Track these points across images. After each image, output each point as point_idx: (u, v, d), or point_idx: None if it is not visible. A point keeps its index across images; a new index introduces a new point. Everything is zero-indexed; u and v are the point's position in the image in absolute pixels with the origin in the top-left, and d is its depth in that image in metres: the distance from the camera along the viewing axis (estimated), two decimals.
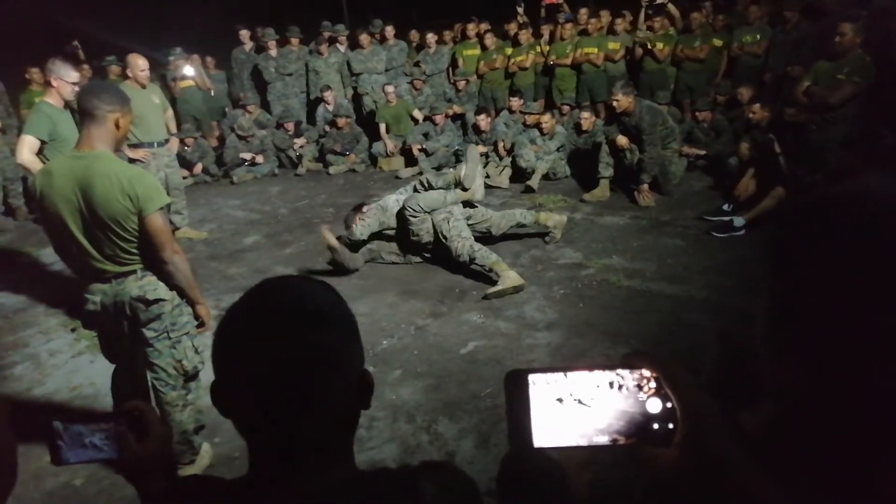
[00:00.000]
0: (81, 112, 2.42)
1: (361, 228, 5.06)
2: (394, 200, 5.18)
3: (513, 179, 7.28)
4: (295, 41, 9.12)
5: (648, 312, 4.04)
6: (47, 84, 4.26)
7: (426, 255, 5.17)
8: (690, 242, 5.13)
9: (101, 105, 2.40)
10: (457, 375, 3.50)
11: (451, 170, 5.41)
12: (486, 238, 5.11)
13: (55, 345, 4.29)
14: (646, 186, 6.11)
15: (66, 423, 0.99)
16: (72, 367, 3.98)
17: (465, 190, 5.03)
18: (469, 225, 4.97)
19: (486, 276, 4.70)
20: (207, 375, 2.99)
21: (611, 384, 0.59)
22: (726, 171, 6.17)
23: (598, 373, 0.59)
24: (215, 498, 0.83)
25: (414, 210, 4.85)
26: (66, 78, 4.09)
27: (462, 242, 4.73)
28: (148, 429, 1.06)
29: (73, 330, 4.41)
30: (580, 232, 5.60)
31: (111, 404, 2.97)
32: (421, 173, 7.90)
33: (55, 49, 6.43)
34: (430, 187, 5.02)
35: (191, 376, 2.77)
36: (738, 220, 5.26)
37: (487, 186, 7.18)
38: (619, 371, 0.59)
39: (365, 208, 5.20)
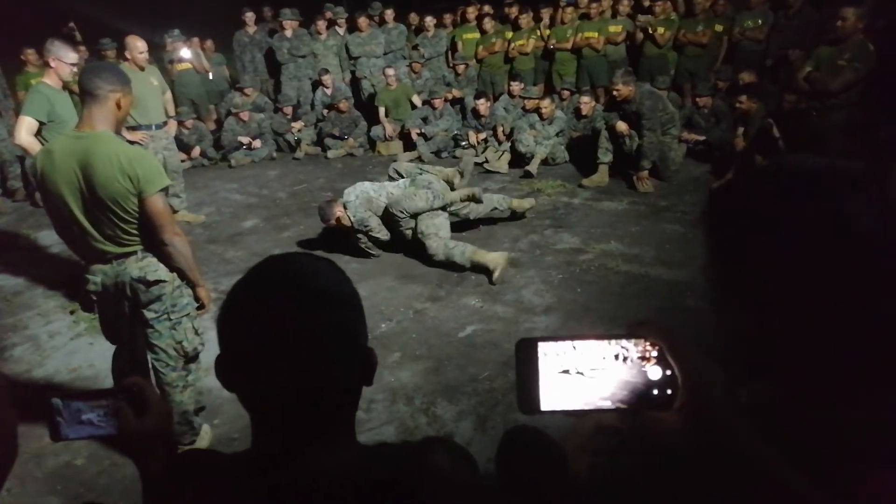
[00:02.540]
0: (83, 92, 2.40)
1: (378, 227, 4.87)
2: (384, 197, 4.90)
3: (512, 164, 7.27)
4: (295, 24, 9.04)
5: (646, 297, 4.06)
6: (46, 65, 4.23)
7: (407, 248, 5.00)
8: (689, 228, 5.13)
9: (103, 85, 2.39)
10: (455, 358, 3.52)
11: (446, 169, 5.24)
12: (462, 223, 5.15)
13: (54, 327, 4.29)
14: (645, 173, 6.10)
15: (66, 399, 0.99)
16: (71, 348, 3.99)
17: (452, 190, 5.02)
18: (449, 211, 4.93)
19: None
20: (207, 357, 3.01)
21: (616, 356, 0.61)
22: (724, 157, 6.17)
23: (604, 343, 0.61)
24: (217, 472, 0.84)
25: (399, 214, 4.73)
26: (65, 59, 4.07)
27: (438, 242, 4.62)
28: (147, 405, 1.06)
29: (72, 312, 4.42)
30: (579, 217, 5.60)
31: (111, 386, 2.99)
32: (419, 157, 7.91)
33: (51, 31, 6.37)
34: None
35: (191, 357, 2.78)
36: None
37: (486, 171, 7.20)
38: (625, 343, 0.61)
39: (343, 202, 4.89)
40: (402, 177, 5.14)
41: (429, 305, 4.20)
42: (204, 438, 2.94)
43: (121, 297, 2.59)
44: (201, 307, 2.75)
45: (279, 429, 0.80)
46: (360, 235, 4.86)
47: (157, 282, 2.55)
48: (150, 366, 2.78)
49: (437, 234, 4.66)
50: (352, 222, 4.81)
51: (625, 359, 0.61)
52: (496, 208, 5.30)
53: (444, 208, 4.86)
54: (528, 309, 4.02)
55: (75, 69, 4.09)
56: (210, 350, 2.98)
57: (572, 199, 6.12)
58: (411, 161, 7.78)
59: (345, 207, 4.84)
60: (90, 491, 2.73)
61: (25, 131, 3.91)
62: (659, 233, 5.10)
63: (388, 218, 4.85)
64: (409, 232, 4.84)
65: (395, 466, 0.81)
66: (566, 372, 0.61)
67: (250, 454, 0.83)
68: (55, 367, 3.79)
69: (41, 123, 3.98)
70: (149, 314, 2.61)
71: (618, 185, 6.33)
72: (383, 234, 4.87)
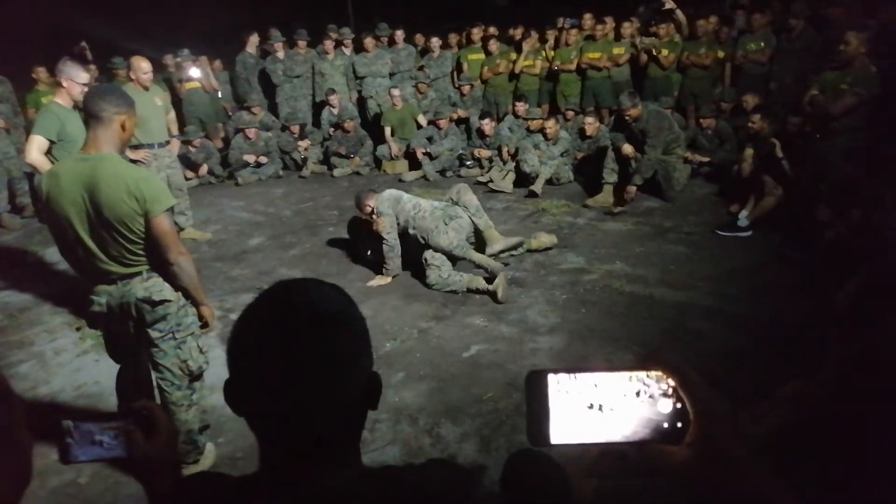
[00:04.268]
0: (88, 114, 2.44)
1: (392, 232, 4.88)
2: (412, 204, 4.92)
3: (516, 184, 7.30)
4: (302, 44, 9.15)
5: (651, 319, 4.06)
6: (57, 85, 4.29)
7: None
8: (693, 249, 5.14)
9: (108, 107, 2.42)
10: (459, 379, 3.52)
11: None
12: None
13: (60, 343, 4.31)
14: (633, 189, 6.12)
15: (77, 421, 1.00)
16: (77, 365, 4.00)
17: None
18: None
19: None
20: (212, 375, 3.01)
21: (637, 393, 0.61)
22: (730, 178, 6.19)
23: (617, 376, 0.61)
24: (225, 495, 0.84)
25: (420, 239, 4.79)
26: (76, 79, 4.13)
27: (436, 273, 4.70)
28: (156, 428, 1.08)
29: (77, 329, 4.44)
30: (583, 237, 5.61)
31: (115, 404, 2.99)
32: (424, 177, 7.95)
33: (63, 49, 6.45)
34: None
35: (196, 376, 2.79)
36: (743, 216, 5.30)
37: (491, 190, 7.24)
38: (645, 378, 0.61)
39: (379, 196, 4.98)
40: (455, 202, 5.00)
41: (433, 325, 4.20)
42: (208, 457, 2.94)
43: (126, 317, 2.60)
44: (205, 326, 2.77)
45: (285, 451, 0.81)
46: (384, 237, 4.88)
47: (163, 301, 2.57)
48: (155, 385, 2.79)
49: (440, 267, 4.71)
50: (374, 213, 4.91)
51: (637, 392, 0.60)
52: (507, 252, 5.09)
53: (455, 257, 4.81)
54: (533, 329, 4.02)
55: (86, 89, 4.15)
56: (214, 369, 3.00)
57: (577, 218, 6.14)
58: (417, 179, 7.86)
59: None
60: None
61: (36, 150, 3.96)
62: (663, 254, 5.10)
63: (404, 232, 4.89)
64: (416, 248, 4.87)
65: (398, 489, 0.82)
66: (578, 401, 0.60)
67: (257, 476, 0.84)
68: (61, 384, 3.80)
69: (52, 142, 4.02)
70: (154, 333, 2.62)
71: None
72: (392, 235, 4.87)
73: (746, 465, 0.56)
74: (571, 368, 0.61)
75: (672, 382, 0.60)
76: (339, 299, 0.86)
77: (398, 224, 4.87)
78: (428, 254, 4.75)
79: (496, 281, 4.48)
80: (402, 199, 4.96)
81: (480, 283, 4.59)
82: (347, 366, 0.81)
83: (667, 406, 0.60)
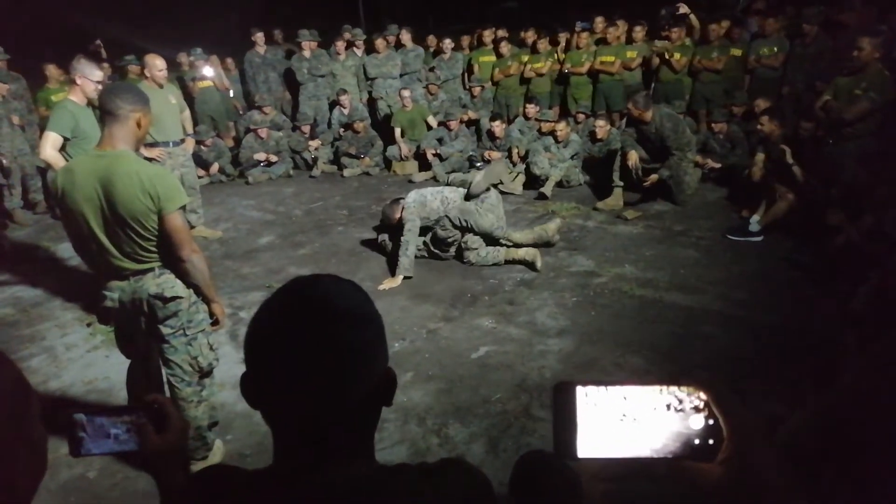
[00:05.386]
0: (103, 112, 2.45)
1: (409, 233, 5.06)
2: (438, 201, 5.15)
3: (526, 186, 7.30)
4: (313, 44, 9.18)
5: (661, 322, 4.04)
6: (71, 82, 4.32)
7: (450, 252, 5.28)
8: (704, 253, 5.12)
9: (124, 105, 2.44)
10: (468, 380, 3.52)
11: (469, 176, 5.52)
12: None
13: (71, 339, 4.34)
14: (655, 176, 6.17)
15: (89, 414, 1.01)
16: (87, 361, 4.03)
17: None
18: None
19: (497, 285, 4.74)
20: (221, 372, 3.02)
21: (668, 406, 0.60)
22: (741, 182, 6.16)
23: (647, 389, 0.60)
24: (238, 488, 0.85)
25: (461, 222, 5.05)
26: (90, 76, 4.16)
27: (474, 253, 5.11)
28: (168, 422, 1.09)
29: (88, 325, 4.47)
30: (593, 240, 5.60)
31: (126, 399, 3.01)
32: (434, 178, 7.96)
33: (76, 48, 6.51)
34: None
35: (206, 373, 2.80)
36: (754, 221, 5.27)
37: (501, 192, 7.22)
38: (677, 393, 0.60)
39: (404, 203, 5.23)
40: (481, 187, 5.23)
41: (442, 325, 4.20)
42: (216, 454, 2.95)
43: (137, 313, 2.62)
44: (216, 323, 2.78)
45: (300, 446, 0.82)
46: (403, 233, 5.09)
47: (174, 298, 2.58)
48: (166, 381, 2.80)
49: (477, 249, 5.12)
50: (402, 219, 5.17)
51: (670, 407, 0.59)
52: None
53: (494, 238, 5.14)
54: (542, 331, 4.01)
55: (100, 87, 4.18)
56: (222, 366, 3.01)
57: (587, 221, 6.13)
58: (427, 180, 7.87)
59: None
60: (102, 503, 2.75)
61: (51, 146, 3.99)
62: (673, 257, 5.08)
63: (436, 221, 5.13)
64: (450, 236, 5.12)
65: (412, 486, 0.82)
66: (607, 415, 0.59)
67: (271, 470, 0.84)
68: (71, 378, 3.83)
69: (66, 139, 4.06)
70: (165, 330, 2.64)
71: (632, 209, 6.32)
72: (409, 236, 5.04)
73: (782, 489, 0.55)
74: (600, 381, 0.60)
75: (704, 397, 0.59)
76: (357, 295, 0.86)
77: (428, 220, 5.14)
78: (469, 237, 5.10)
79: (532, 251, 4.89)
80: (426, 200, 5.17)
81: (517, 253, 5.00)
82: (364, 361, 0.81)
83: (698, 422, 0.59)
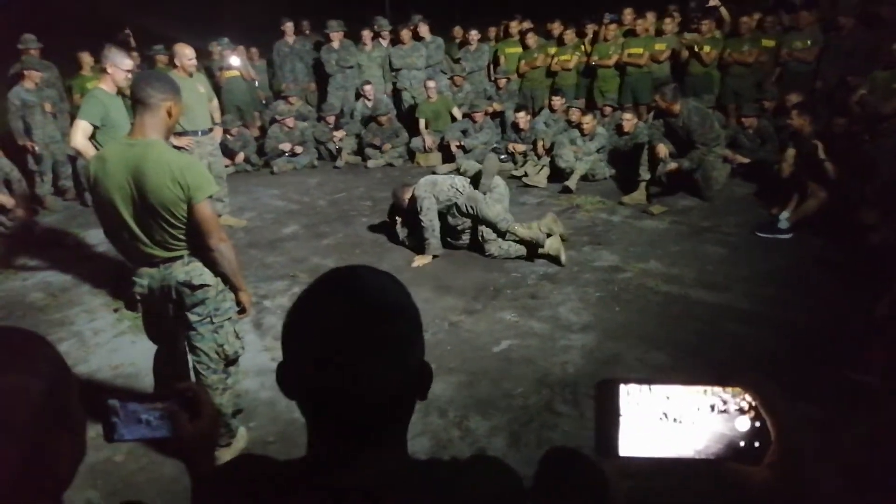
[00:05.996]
0: (135, 101, 2.47)
1: (430, 212, 5.13)
2: (448, 184, 5.21)
3: (551, 179, 7.24)
4: (341, 35, 9.18)
5: (686, 319, 3.99)
6: (102, 71, 4.38)
7: (462, 241, 5.33)
8: (731, 250, 5.05)
9: (155, 94, 2.46)
10: (490, 373, 3.51)
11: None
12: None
13: (98, 324, 4.41)
14: (675, 165, 6.09)
15: (122, 400, 1.02)
16: (114, 346, 4.09)
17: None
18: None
19: (520, 278, 4.73)
20: (245, 360, 3.05)
21: (712, 407, 0.59)
22: (770, 178, 6.05)
23: (691, 389, 0.59)
24: (271, 476, 0.85)
25: (468, 209, 5.08)
26: (121, 65, 4.21)
27: (495, 245, 5.10)
28: (200, 409, 1.10)
29: (115, 310, 4.54)
30: (618, 235, 5.55)
31: (151, 384, 3.05)
32: (458, 170, 7.93)
33: (106, 36, 6.58)
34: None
35: (231, 361, 2.83)
36: (784, 217, 5.17)
37: (525, 185, 7.19)
38: (722, 394, 0.59)
39: (414, 184, 5.32)
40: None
41: (464, 318, 4.20)
42: (240, 441, 2.99)
43: (165, 299, 2.65)
44: (242, 311, 2.80)
45: (334, 436, 0.81)
46: (421, 218, 5.14)
47: (202, 286, 2.60)
48: (192, 367, 2.83)
49: (496, 240, 5.12)
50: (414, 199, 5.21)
51: (712, 407, 0.59)
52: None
53: (499, 230, 5.11)
54: (565, 326, 3.99)
55: (130, 76, 4.23)
56: (247, 354, 3.04)
57: (611, 216, 6.07)
58: (451, 171, 7.85)
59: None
60: (129, 487, 2.79)
61: (81, 135, 4.05)
62: (700, 254, 5.02)
63: (447, 209, 5.17)
64: (459, 224, 5.18)
65: (444, 482, 0.82)
66: (651, 414, 0.59)
67: (305, 460, 0.84)
68: (98, 363, 3.89)
69: (96, 127, 4.11)
70: (192, 317, 2.66)
71: (658, 203, 6.23)
72: (429, 216, 5.10)
73: (828, 491, 0.54)
74: (643, 379, 0.60)
75: (750, 399, 0.58)
76: (395, 287, 0.85)
77: (438, 202, 5.14)
78: (483, 229, 5.11)
79: (552, 245, 4.83)
80: (437, 181, 5.26)
81: (540, 242, 4.89)
82: (401, 353, 0.81)
83: (744, 423, 0.58)
